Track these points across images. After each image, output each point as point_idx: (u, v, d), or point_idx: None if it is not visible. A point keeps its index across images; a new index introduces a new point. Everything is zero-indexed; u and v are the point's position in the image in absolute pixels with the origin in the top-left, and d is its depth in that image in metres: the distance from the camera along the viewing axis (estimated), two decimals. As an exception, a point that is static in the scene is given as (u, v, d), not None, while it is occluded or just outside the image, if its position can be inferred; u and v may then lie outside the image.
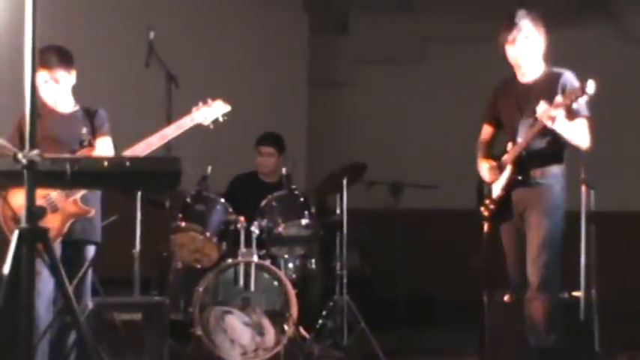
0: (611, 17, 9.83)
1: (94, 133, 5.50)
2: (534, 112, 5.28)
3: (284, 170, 6.92)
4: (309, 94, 10.04)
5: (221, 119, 5.93)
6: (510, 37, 5.43)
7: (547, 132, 5.32)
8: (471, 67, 9.69)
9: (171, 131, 5.60)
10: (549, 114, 5.14)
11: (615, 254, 7.88)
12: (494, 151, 5.77)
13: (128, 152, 5.29)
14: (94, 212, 5.37)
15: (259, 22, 9.59)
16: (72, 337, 5.14)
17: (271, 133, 7.67)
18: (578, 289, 5.83)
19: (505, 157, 5.52)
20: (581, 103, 5.16)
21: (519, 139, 5.42)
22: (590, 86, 5.03)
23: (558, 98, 5.19)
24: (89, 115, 5.57)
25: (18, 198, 4.91)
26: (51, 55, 5.43)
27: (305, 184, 8.55)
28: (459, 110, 9.35)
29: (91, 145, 5.41)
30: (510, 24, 5.43)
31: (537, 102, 5.27)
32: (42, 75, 5.40)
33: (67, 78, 5.50)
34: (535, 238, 5.40)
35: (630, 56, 9.37)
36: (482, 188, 5.70)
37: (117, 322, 5.66)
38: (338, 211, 7.26)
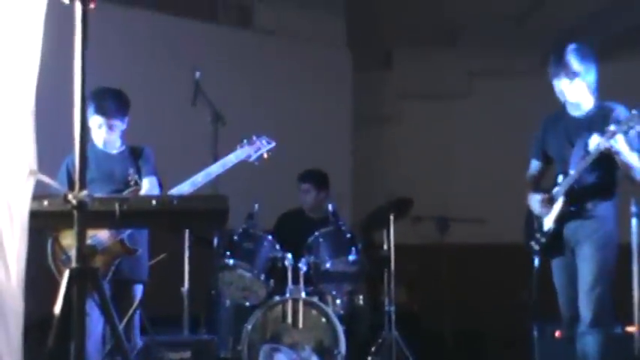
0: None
1: (140, 172, 5.52)
2: (586, 144, 5.24)
3: (330, 206, 6.92)
4: (354, 129, 10.06)
5: (265, 156, 5.97)
6: (557, 73, 5.40)
7: (599, 165, 5.26)
8: (516, 101, 9.65)
9: (215, 169, 5.64)
10: (612, 139, 5.08)
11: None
12: (542, 186, 5.71)
13: (173, 191, 5.32)
14: (140, 252, 5.39)
15: (303, 59, 9.65)
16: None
17: (310, 170, 7.72)
18: (631, 323, 5.76)
19: (557, 189, 5.46)
20: (637, 131, 5.11)
21: (571, 171, 5.37)
22: None
23: (612, 127, 5.12)
24: (135, 153, 5.60)
25: (68, 238, 4.97)
26: (110, 103, 5.45)
27: (351, 220, 8.55)
28: (504, 144, 9.31)
29: (137, 184, 5.44)
30: (557, 59, 5.40)
31: (589, 134, 5.22)
32: (96, 120, 5.44)
33: (120, 125, 5.54)
34: (588, 271, 5.32)
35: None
36: (531, 222, 5.64)
37: (166, 361, 5.68)
38: (385, 247, 7.24)
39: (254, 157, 5.95)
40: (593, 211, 5.35)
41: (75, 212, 3.09)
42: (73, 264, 3.12)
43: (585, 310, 5.30)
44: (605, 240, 5.34)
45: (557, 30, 9.21)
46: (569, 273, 5.45)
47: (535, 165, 5.79)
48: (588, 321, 5.29)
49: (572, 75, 5.35)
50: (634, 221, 5.75)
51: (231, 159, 5.78)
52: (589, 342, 5.30)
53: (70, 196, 3.08)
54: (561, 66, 5.36)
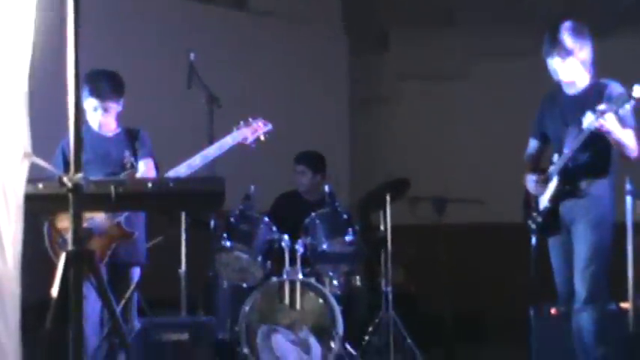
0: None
1: (136, 154, 5.52)
2: (580, 122, 5.23)
3: (327, 188, 6.92)
4: (351, 111, 10.05)
5: (262, 138, 5.97)
6: (550, 52, 5.39)
7: (593, 143, 5.25)
8: (514, 81, 9.61)
9: (212, 151, 5.64)
10: (601, 117, 5.06)
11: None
12: (541, 166, 5.72)
13: (170, 173, 5.32)
14: (137, 235, 5.39)
15: (299, 40, 9.62)
16: (121, 358, 5.16)
17: (306, 151, 7.70)
18: (626, 300, 5.78)
19: (552, 169, 5.47)
20: (627, 109, 5.09)
21: (565, 150, 5.37)
22: (637, 91, 4.96)
23: (602, 105, 5.11)
24: (131, 136, 5.60)
25: (64, 221, 4.97)
26: (104, 85, 5.44)
27: (348, 201, 8.55)
28: (502, 125, 9.30)
29: (133, 166, 5.45)
30: (551, 38, 5.39)
31: (583, 113, 5.21)
32: (91, 102, 5.43)
33: (115, 107, 5.54)
34: (583, 250, 5.35)
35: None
36: (529, 202, 5.65)
37: (164, 343, 5.69)
38: (382, 228, 7.25)
39: (251, 139, 5.95)
40: (588, 189, 5.36)
41: (70, 195, 3.09)
42: (69, 247, 3.13)
43: (580, 287, 5.33)
44: (600, 219, 5.36)
45: (557, 9, 9.16)
46: (566, 251, 5.48)
47: (534, 144, 5.80)
48: (583, 298, 5.32)
49: (565, 53, 5.34)
50: (629, 199, 5.76)
51: (228, 141, 5.78)
52: (584, 318, 5.34)
53: (65, 179, 3.09)
54: (554, 44, 5.35)
